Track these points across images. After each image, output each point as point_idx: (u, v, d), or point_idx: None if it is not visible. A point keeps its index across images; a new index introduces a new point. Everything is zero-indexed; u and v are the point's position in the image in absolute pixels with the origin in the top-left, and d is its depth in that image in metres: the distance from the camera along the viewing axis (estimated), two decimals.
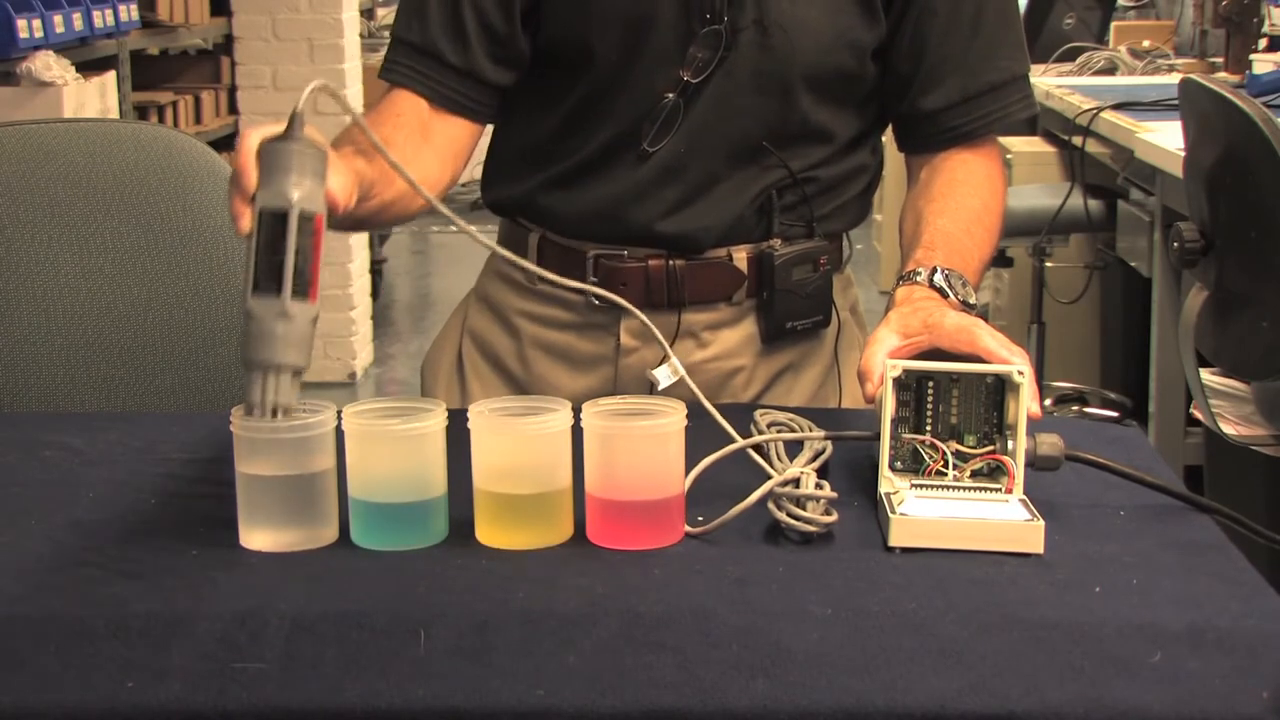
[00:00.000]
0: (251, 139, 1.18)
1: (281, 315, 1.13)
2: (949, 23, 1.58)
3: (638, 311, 1.39)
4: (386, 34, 1.69)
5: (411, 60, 1.57)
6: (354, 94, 5.26)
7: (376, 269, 6.08)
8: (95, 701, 1.00)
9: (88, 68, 3.86)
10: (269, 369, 1.13)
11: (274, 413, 1.14)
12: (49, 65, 3.53)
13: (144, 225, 1.87)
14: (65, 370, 1.85)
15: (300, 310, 1.14)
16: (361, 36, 5.52)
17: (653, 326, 1.36)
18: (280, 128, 1.18)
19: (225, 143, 5.05)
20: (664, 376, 1.33)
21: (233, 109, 5.14)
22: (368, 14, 7.80)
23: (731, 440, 1.28)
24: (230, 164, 1.19)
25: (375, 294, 5.90)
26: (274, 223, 1.14)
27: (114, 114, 3.89)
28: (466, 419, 1.19)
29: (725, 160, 1.58)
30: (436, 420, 1.19)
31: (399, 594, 1.09)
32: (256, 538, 1.18)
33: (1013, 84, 1.62)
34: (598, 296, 1.55)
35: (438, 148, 1.56)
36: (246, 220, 1.15)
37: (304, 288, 1.14)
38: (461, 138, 1.58)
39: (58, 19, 3.62)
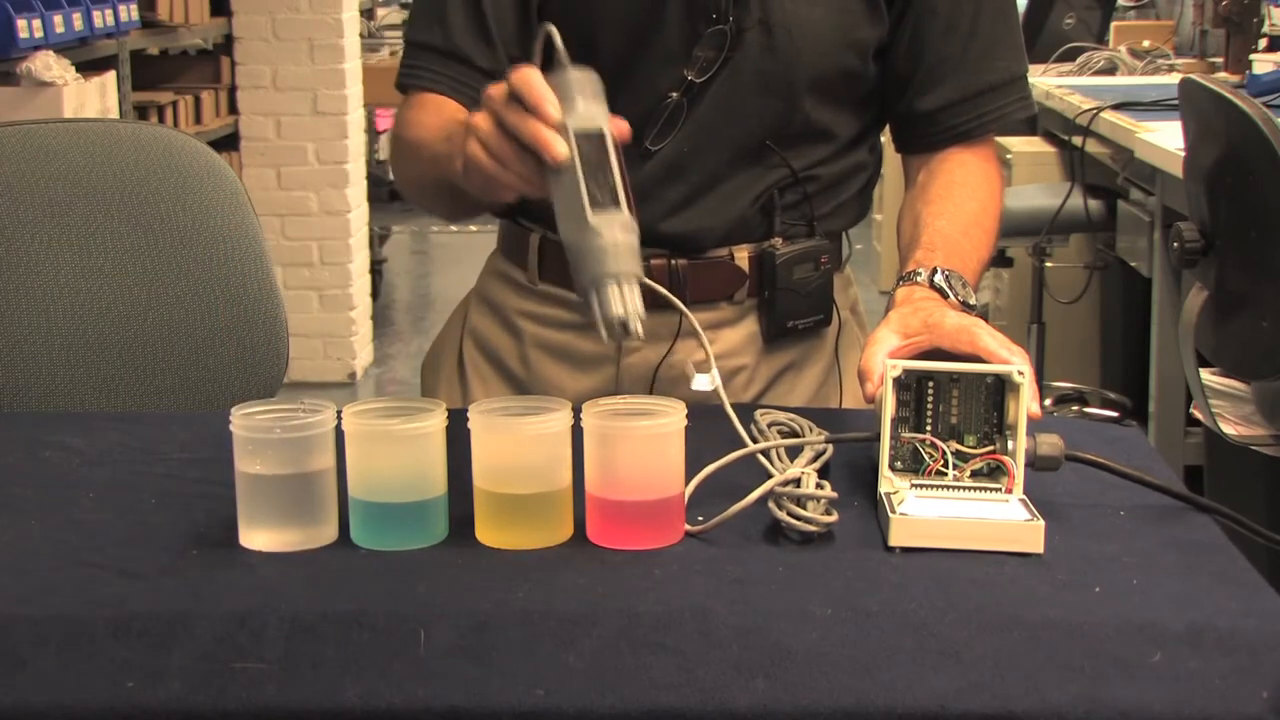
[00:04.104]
0: (529, 71, 1.21)
1: (626, 227, 1.18)
2: (948, 23, 1.59)
3: (684, 308, 1.32)
4: (386, 34, 1.69)
5: (437, 65, 1.56)
6: (354, 94, 5.26)
7: (376, 269, 6.08)
8: (95, 701, 1.00)
9: (88, 68, 3.86)
10: (623, 279, 1.18)
11: (636, 322, 1.18)
12: (49, 65, 3.53)
13: (144, 225, 1.87)
14: (65, 370, 1.84)
15: (635, 223, 1.20)
16: (361, 36, 5.52)
17: (697, 325, 1.30)
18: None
19: (225, 143, 5.06)
20: (702, 382, 1.29)
21: (233, 109, 5.14)
22: (368, 14, 7.80)
23: (744, 444, 1.26)
24: (491, 97, 1.23)
25: (375, 294, 5.90)
26: (592, 144, 1.19)
27: (114, 114, 3.88)
28: (466, 419, 1.19)
29: (728, 160, 1.58)
30: (436, 420, 1.19)
31: (399, 594, 1.09)
32: (256, 538, 1.18)
33: (1011, 84, 1.62)
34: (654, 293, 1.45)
35: None
36: (562, 145, 1.18)
37: (631, 203, 1.20)
38: None
39: (58, 19, 3.62)
